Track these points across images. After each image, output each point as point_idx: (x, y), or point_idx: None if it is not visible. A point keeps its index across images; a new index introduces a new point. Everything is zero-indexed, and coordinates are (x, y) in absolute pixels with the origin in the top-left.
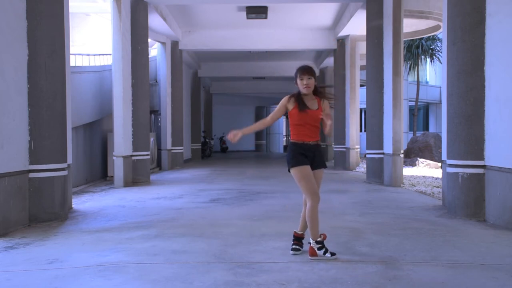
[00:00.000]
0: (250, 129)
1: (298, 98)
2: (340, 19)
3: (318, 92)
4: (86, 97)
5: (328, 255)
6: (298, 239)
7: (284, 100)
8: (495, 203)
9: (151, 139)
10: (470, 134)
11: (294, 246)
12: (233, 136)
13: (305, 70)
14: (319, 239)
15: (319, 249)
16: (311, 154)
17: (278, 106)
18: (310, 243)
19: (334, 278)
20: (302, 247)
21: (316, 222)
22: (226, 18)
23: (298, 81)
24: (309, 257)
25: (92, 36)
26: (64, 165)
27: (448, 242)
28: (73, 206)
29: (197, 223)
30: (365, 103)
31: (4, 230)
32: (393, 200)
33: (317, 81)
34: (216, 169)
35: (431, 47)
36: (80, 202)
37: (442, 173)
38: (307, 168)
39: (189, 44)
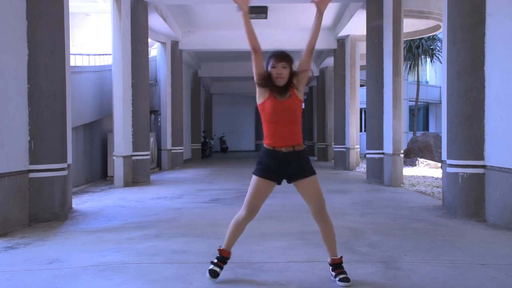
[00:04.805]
0: (247, 23)
1: (273, 85)
2: (340, 19)
3: (292, 82)
4: (86, 97)
5: (207, 274)
6: (336, 266)
7: (266, 73)
8: (495, 203)
9: (151, 139)
10: (470, 134)
11: (342, 276)
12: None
13: (280, 57)
14: (218, 255)
15: (211, 262)
16: (282, 164)
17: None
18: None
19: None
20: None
21: (231, 234)
22: (226, 18)
23: (270, 69)
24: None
25: (92, 36)
26: (64, 165)
27: (448, 242)
28: (73, 206)
29: (197, 223)
30: (365, 103)
31: (4, 230)
32: (393, 200)
33: (294, 69)
34: (216, 169)
35: (431, 47)
36: (80, 202)
37: (442, 173)
38: (260, 180)
39: (189, 44)
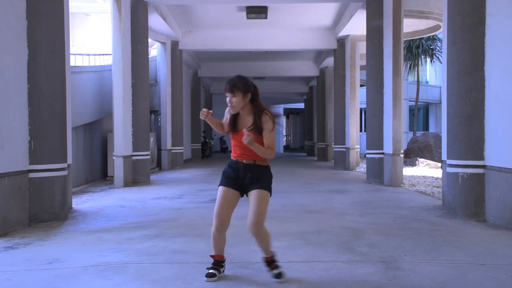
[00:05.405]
0: (212, 122)
1: (232, 116)
2: (340, 19)
3: (257, 108)
4: (86, 97)
5: (204, 278)
6: (269, 262)
7: (226, 113)
8: (495, 203)
9: (151, 139)
10: (470, 134)
11: (275, 272)
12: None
13: (227, 87)
14: (213, 261)
15: (207, 268)
16: (241, 174)
17: (224, 118)
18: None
19: (334, 278)
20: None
21: (214, 244)
22: (226, 18)
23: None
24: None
25: (92, 36)
26: (64, 165)
27: (448, 242)
28: (73, 206)
29: (197, 223)
30: (365, 103)
31: (4, 230)
32: (393, 200)
33: (256, 94)
34: (216, 169)
35: (431, 47)
36: (80, 202)
37: (442, 173)
38: (224, 190)
39: (189, 44)
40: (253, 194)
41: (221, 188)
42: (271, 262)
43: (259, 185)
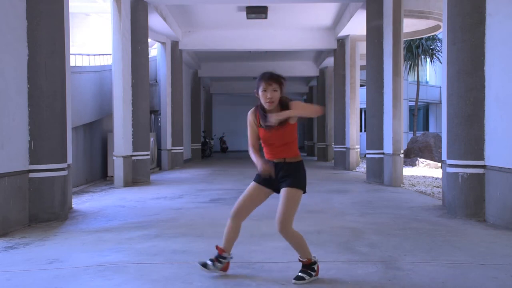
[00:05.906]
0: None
1: (261, 113)
2: (340, 19)
3: (283, 105)
4: (86, 97)
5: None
6: (302, 265)
7: (249, 116)
8: (495, 203)
9: (151, 139)
10: (470, 134)
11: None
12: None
13: (271, 79)
14: (224, 254)
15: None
16: (274, 172)
17: (248, 126)
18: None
19: (334, 278)
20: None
21: (225, 235)
22: (226, 18)
23: (260, 93)
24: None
25: (92, 36)
26: (64, 165)
27: (448, 242)
28: (73, 206)
29: (197, 223)
30: (365, 103)
31: (4, 230)
32: (393, 200)
33: (285, 90)
34: (216, 169)
35: (431, 47)
36: (80, 202)
37: (442, 173)
38: (253, 185)
39: (189, 44)
40: (282, 192)
41: (252, 183)
42: (304, 266)
43: (288, 183)
